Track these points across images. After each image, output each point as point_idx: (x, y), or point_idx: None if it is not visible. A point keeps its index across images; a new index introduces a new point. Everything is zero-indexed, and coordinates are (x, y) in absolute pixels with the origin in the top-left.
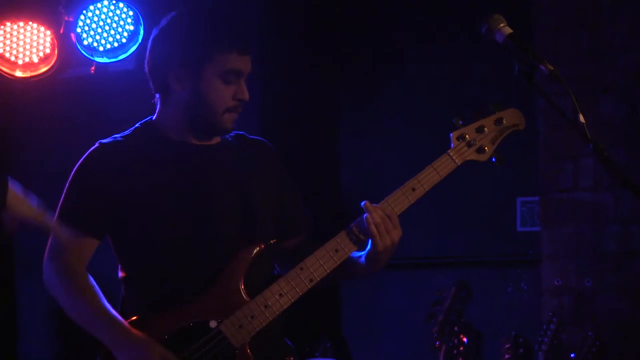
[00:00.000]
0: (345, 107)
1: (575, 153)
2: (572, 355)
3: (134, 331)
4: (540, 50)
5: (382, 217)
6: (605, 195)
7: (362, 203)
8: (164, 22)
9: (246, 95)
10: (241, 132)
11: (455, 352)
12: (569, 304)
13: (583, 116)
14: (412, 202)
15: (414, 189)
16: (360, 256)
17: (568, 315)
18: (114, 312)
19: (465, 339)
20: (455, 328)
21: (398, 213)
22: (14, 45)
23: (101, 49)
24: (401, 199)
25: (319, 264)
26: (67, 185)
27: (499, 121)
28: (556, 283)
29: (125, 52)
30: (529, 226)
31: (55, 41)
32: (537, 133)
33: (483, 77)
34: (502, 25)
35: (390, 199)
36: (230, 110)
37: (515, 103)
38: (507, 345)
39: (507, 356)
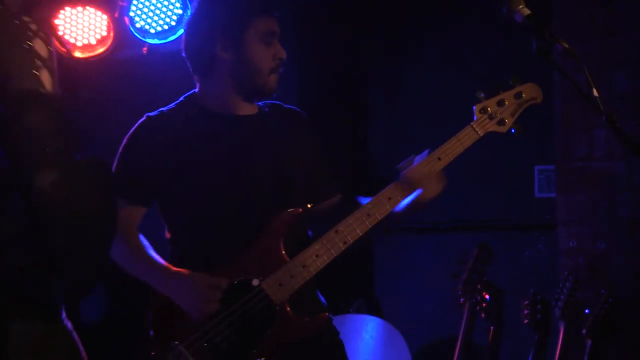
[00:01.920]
0: (375, 81)
1: (589, 124)
2: (586, 311)
3: (177, 268)
4: (558, 27)
5: (430, 170)
6: (617, 164)
7: (411, 157)
8: (197, 3)
9: (284, 54)
10: (277, 102)
11: (478, 308)
12: (584, 264)
13: (597, 90)
14: (437, 170)
15: (439, 159)
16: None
17: (583, 274)
18: (162, 260)
19: (487, 296)
20: (478, 286)
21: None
22: (74, 29)
23: (152, 31)
24: (428, 168)
25: (352, 228)
26: (117, 155)
27: (518, 95)
28: (571, 244)
29: (174, 34)
30: (546, 192)
31: (111, 24)
32: (554, 106)
33: (505, 53)
34: (521, 6)
35: (419, 166)
36: (273, 70)
37: (533, 78)
38: (526, 302)
39: (526, 312)
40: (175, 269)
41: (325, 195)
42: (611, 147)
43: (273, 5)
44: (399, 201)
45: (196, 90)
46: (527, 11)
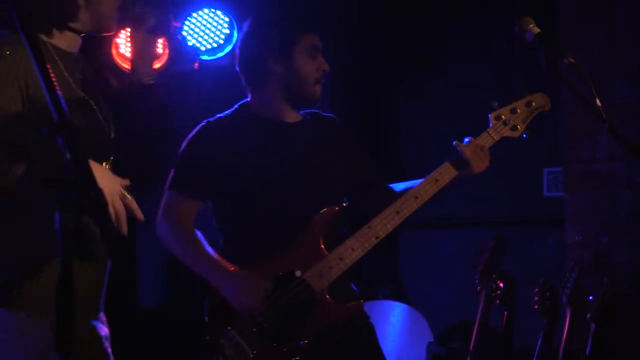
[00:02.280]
0: (403, 86)
1: (592, 130)
2: (590, 298)
3: (231, 267)
4: (564, 42)
5: (477, 147)
6: (618, 166)
7: (454, 142)
8: (248, 23)
9: (327, 67)
10: (316, 110)
11: (493, 295)
12: (588, 256)
13: (599, 100)
14: (487, 147)
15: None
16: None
17: (587, 265)
18: (215, 255)
19: (501, 285)
20: (494, 275)
21: (446, 182)
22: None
23: (203, 48)
24: (450, 169)
25: (384, 224)
26: (178, 155)
27: (528, 103)
28: (577, 238)
29: (222, 51)
30: (554, 192)
31: (166, 43)
32: (561, 114)
33: (519, 67)
34: (531, 25)
35: (445, 167)
36: (317, 81)
37: (542, 89)
38: (536, 290)
39: (536, 298)
40: (229, 268)
41: (369, 187)
42: (612, 150)
43: (316, 22)
44: (445, 182)
45: (248, 99)
46: (537, 30)
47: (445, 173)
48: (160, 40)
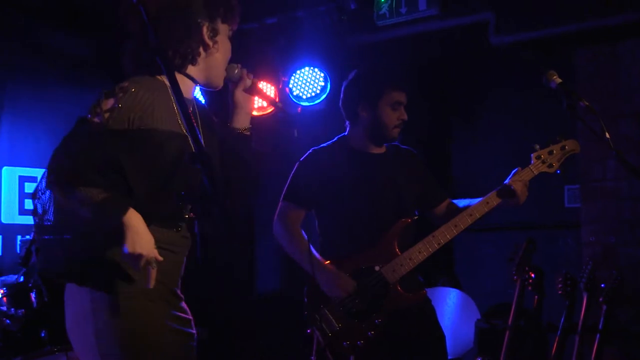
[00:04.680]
0: (455, 123)
1: (603, 156)
2: (602, 285)
3: (328, 266)
4: (580, 89)
5: (522, 183)
6: (622, 183)
7: (514, 169)
8: (351, 75)
9: (406, 117)
10: (395, 143)
11: (526, 283)
12: (600, 252)
13: (608, 133)
14: (527, 180)
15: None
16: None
17: (599, 260)
18: (316, 253)
19: (533, 275)
20: (526, 268)
21: (494, 205)
22: None
23: (304, 97)
24: (497, 197)
25: (444, 234)
26: (291, 175)
27: (563, 147)
28: (591, 239)
29: (319, 99)
30: (573, 203)
31: (277, 92)
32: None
33: (547, 107)
34: (555, 77)
35: (494, 194)
36: (396, 127)
37: (564, 125)
38: (560, 279)
39: (560, 286)
40: (324, 263)
41: (438, 202)
42: (618, 171)
43: (402, 84)
44: (493, 205)
45: (346, 133)
46: (559, 80)
47: (494, 199)
48: (272, 90)
